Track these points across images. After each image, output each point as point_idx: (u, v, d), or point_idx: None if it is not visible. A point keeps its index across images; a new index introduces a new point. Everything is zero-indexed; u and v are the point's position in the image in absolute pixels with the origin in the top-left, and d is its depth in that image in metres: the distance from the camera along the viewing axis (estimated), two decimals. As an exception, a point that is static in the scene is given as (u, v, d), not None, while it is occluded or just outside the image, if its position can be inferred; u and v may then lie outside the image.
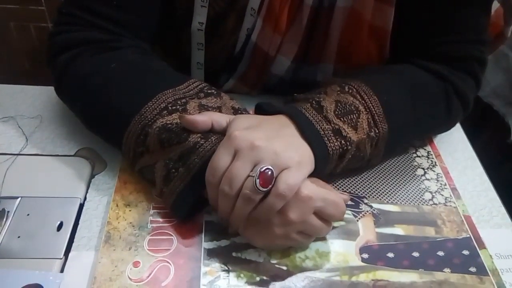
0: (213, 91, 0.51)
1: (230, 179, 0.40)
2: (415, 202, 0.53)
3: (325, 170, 0.47)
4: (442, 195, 0.54)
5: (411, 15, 0.57)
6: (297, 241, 0.44)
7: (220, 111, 0.49)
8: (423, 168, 0.57)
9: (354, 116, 0.48)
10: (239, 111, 0.50)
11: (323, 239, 0.48)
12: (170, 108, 0.47)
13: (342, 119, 0.47)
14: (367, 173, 0.55)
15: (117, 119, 0.48)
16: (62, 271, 0.43)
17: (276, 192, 0.40)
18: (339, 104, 0.48)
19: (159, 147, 0.46)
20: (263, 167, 0.39)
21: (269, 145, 0.41)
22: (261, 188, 0.39)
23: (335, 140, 0.46)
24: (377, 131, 0.49)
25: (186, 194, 0.45)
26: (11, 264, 0.43)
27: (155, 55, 0.57)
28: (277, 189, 0.40)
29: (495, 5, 0.58)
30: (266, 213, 0.41)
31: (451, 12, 0.55)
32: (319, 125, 0.46)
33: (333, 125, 0.46)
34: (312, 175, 0.44)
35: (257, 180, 0.39)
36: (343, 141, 0.46)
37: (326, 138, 0.45)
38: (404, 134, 0.54)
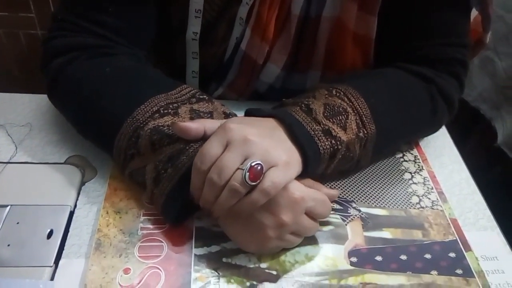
0: (205, 96, 0.52)
1: (220, 168, 0.41)
2: (403, 205, 0.53)
3: (317, 170, 0.48)
4: (429, 198, 0.55)
5: (393, 20, 0.58)
6: (289, 242, 0.45)
7: (211, 116, 0.49)
8: (410, 172, 0.58)
9: (343, 117, 0.49)
10: (230, 116, 0.51)
11: (313, 243, 0.48)
12: (162, 111, 0.47)
13: (331, 120, 0.48)
14: (356, 177, 0.56)
15: (110, 122, 0.49)
16: (52, 279, 0.43)
17: (261, 188, 0.41)
18: (327, 107, 0.49)
19: (150, 149, 0.46)
20: (253, 161, 0.40)
21: (261, 141, 0.42)
22: (249, 182, 0.40)
23: (325, 140, 0.46)
24: (365, 131, 0.50)
25: (175, 195, 0.45)
26: (1, 272, 0.43)
27: (148, 62, 0.57)
28: (262, 185, 0.40)
29: (474, 13, 0.60)
30: (248, 208, 0.42)
31: (431, 18, 0.57)
32: (309, 126, 0.46)
33: (322, 125, 0.47)
34: (304, 175, 0.45)
35: (247, 174, 0.40)
36: (333, 141, 0.47)
37: (316, 138, 0.46)
38: (392, 135, 0.54)
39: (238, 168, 0.40)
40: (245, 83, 0.64)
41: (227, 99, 0.66)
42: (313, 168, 0.46)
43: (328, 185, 0.55)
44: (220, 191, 0.41)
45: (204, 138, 0.45)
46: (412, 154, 0.61)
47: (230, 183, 0.40)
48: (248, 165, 0.40)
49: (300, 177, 0.45)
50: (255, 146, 0.41)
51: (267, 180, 0.41)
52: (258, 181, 0.40)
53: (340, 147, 0.47)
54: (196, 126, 0.45)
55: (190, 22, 0.58)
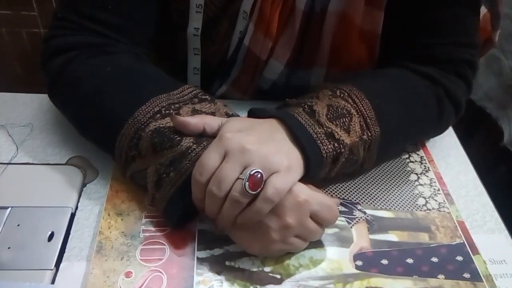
0: (207, 97, 0.51)
1: (219, 180, 0.40)
2: (409, 207, 0.53)
3: (320, 174, 0.47)
4: (436, 200, 0.54)
5: (400, 18, 0.57)
6: (293, 246, 0.44)
7: None
8: (416, 174, 0.57)
9: (347, 120, 0.48)
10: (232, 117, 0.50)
11: (317, 246, 0.47)
12: (163, 112, 0.47)
13: (334, 122, 0.47)
14: (361, 179, 0.55)
15: (110, 122, 0.48)
16: (53, 282, 0.43)
17: (264, 196, 0.40)
18: (331, 108, 0.48)
19: (152, 151, 0.46)
20: (252, 170, 0.39)
21: (259, 149, 0.41)
22: (250, 191, 0.39)
23: (328, 143, 0.46)
24: (369, 134, 0.49)
25: (177, 199, 0.44)
26: (1, 275, 0.43)
27: (149, 61, 0.57)
28: (265, 193, 0.40)
29: (483, 11, 0.59)
30: (253, 217, 0.41)
31: (440, 15, 0.56)
32: (312, 129, 0.46)
33: (325, 128, 0.46)
34: (306, 179, 0.44)
35: (247, 183, 0.39)
36: (336, 144, 0.46)
37: (319, 141, 0.45)
38: (396, 137, 0.53)
39: (238, 178, 0.40)
40: (249, 80, 0.63)
41: (231, 98, 0.65)
42: (315, 172, 0.45)
43: (333, 186, 0.54)
44: (221, 203, 0.41)
45: (203, 134, 0.45)
46: (418, 154, 0.60)
47: (230, 194, 0.40)
48: (247, 174, 0.39)
49: (301, 181, 0.44)
50: (253, 154, 0.41)
51: (269, 187, 0.40)
52: (260, 189, 0.40)
53: (343, 150, 0.47)
54: (195, 121, 0.45)
55: (191, 18, 0.57)
